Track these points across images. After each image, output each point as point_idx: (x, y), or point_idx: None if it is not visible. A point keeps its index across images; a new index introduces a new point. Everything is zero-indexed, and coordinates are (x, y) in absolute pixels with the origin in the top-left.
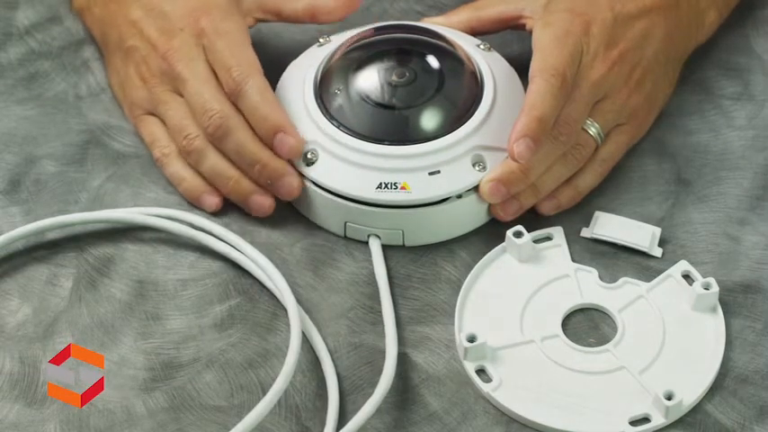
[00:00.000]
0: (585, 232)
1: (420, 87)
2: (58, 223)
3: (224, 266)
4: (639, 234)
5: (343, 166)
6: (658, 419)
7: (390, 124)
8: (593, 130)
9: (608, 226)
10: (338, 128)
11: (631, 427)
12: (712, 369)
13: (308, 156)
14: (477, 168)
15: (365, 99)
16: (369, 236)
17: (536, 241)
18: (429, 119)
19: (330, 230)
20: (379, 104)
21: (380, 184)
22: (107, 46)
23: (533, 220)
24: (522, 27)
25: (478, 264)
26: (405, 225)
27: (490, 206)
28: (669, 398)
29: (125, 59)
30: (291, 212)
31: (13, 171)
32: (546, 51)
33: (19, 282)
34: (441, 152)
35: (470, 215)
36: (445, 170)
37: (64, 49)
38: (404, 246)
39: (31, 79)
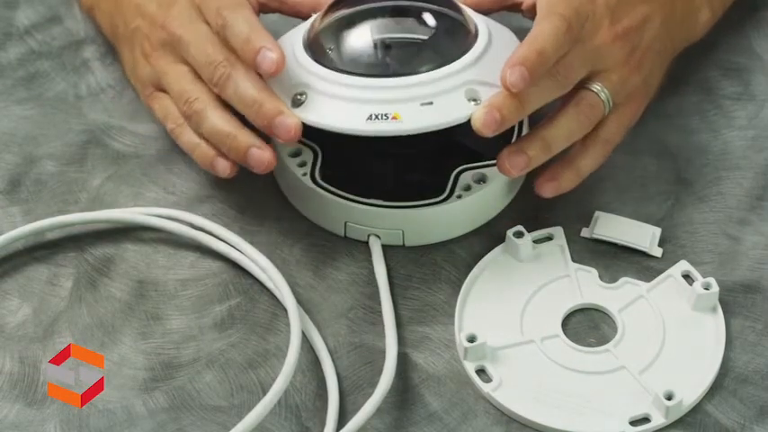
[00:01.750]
0: (585, 232)
1: (414, 24)
2: (58, 223)
3: (224, 266)
4: (639, 234)
5: (333, 101)
6: (658, 419)
7: (382, 59)
8: (603, 95)
9: (608, 226)
10: (328, 68)
11: (631, 427)
12: (712, 369)
13: (298, 97)
14: (471, 103)
15: (358, 36)
16: (369, 236)
17: (536, 241)
18: (422, 53)
19: (330, 230)
20: (372, 42)
21: (371, 115)
22: (117, 37)
23: (533, 220)
24: (518, 6)
25: (478, 264)
26: (405, 225)
27: (497, 162)
28: (669, 398)
29: (131, 44)
30: (291, 212)
31: (13, 171)
32: (552, 3)
33: (19, 282)
34: (434, 83)
35: (470, 215)
36: (438, 101)
37: (64, 49)
38: (404, 246)
39: (31, 79)
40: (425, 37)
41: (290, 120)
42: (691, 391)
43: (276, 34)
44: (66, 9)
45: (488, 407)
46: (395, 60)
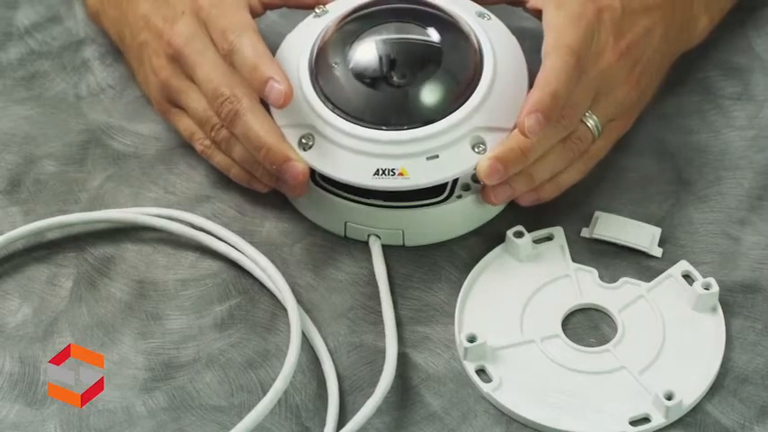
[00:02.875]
0: (585, 232)
1: (416, 67)
2: (58, 223)
3: (224, 266)
4: (639, 234)
5: (340, 151)
6: (658, 419)
7: (387, 107)
8: (591, 123)
9: (608, 226)
10: (334, 111)
11: (631, 427)
12: (712, 369)
13: (303, 140)
14: (476, 151)
15: (361, 80)
16: (369, 236)
17: (536, 241)
18: (426, 100)
19: (330, 230)
20: (375, 87)
21: (378, 170)
22: (124, 46)
23: (533, 220)
24: (522, 4)
25: (478, 264)
26: (405, 225)
27: (482, 190)
28: (669, 398)
29: (140, 56)
30: (291, 212)
31: (13, 171)
32: (560, 30)
33: (19, 282)
34: (439, 136)
35: (470, 215)
36: (444, 154)
37: (64, 49)
38: (404, 246)
39: (31, 79)
40: (433, 87)
41: (298, 166)
42: (691, 391)
43: (277, 36)
44: (66, 9)
45: (488, 407)
46: (402, 111)
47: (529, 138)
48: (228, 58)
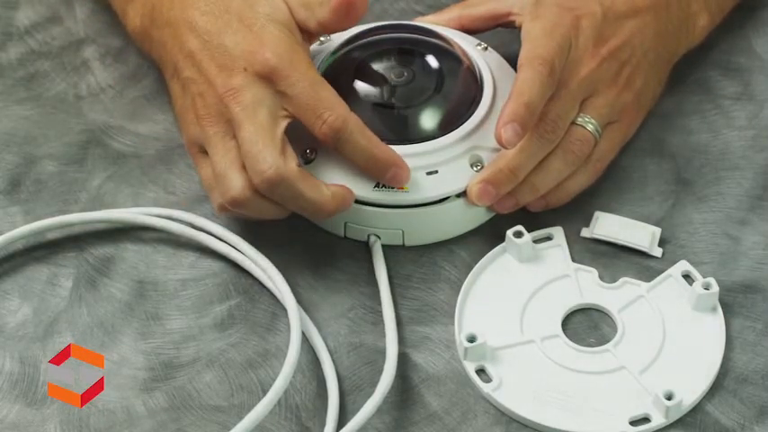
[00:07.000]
0: (585, 232)
1: (418, 87)
2: (58, 223)
3: (224, 266)
4: (639, 234)
5: (342, 165)
6: (658, 419)
7: (388, 124)
8: (590, 126)
9: (608, 226)
10: None
11: (631, 427)
12: (712, 369)
13: (307, 153)
14: (475, 169)
15: (364, 99)
16: (369, 236)
17: (536, 241)
18: (427, 119)
19: (330, 230)
20: (377, 104)
21: (378, 183)
22: (165, 71)
23: (533, 220)
24: (512, 24)
25: (478, 264)
26: (405, 225)
27: None
28: (669, 398)
29: (183, 89)
30: (291, 212)
31: (13, 171)
32: (534, 42)
33: (19, 282)
34: (439, 152)
35: (470, 215)
36: (443, 170)
37: (64, 49)
38: (404, 246)
39: (31, 79)
40: (434, 104)
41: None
42: (691, 391)
43: None
44: (66, 9)
45: (488, 407)
46: (403, 127)
47: (507, 148)
48: (332, 143)
